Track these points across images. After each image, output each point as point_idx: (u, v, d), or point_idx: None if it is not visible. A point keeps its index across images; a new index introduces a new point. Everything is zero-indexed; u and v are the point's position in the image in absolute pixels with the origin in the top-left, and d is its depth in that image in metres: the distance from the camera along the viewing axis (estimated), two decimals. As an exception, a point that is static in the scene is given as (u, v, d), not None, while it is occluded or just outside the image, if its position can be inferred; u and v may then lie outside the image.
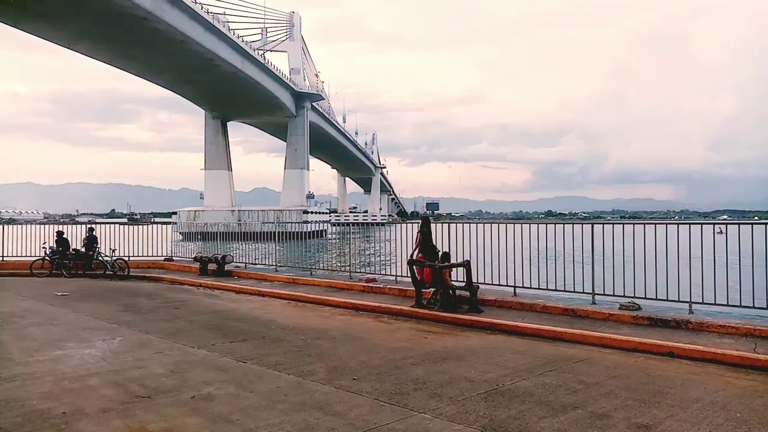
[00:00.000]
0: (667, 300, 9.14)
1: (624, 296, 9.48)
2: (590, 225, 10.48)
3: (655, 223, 9.73)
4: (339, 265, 16.95)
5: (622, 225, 10.04)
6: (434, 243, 11.05)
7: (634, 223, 9.89)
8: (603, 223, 10.75)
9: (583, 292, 10.18)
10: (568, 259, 10.67)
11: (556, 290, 10.55)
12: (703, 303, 8.90)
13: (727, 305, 8.69)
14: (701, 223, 9.35)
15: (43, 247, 17.56)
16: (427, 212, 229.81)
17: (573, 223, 11.29)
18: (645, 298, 9.24)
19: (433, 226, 11.68)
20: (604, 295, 9.89)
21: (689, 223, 9.79)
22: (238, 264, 17.33)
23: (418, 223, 11.55)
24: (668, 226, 9.56)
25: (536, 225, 11.60)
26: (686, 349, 7.26)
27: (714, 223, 9.48)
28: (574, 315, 9.44)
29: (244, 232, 19.53)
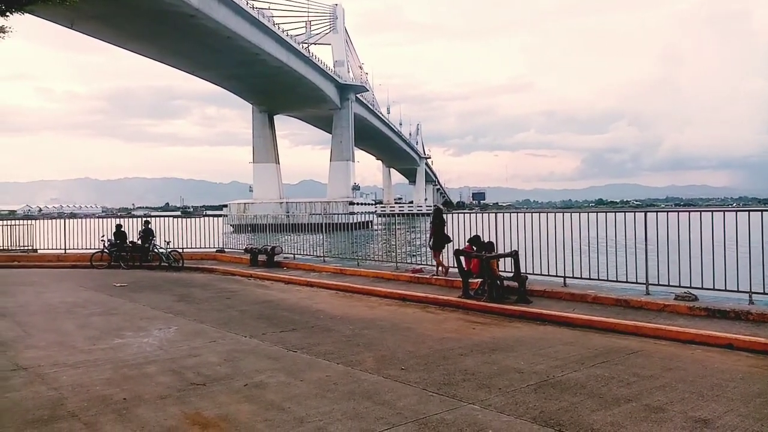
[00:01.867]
0: (725, 290, 8.80)
1: (679, 286, 9.19)
2: (643, 213, 10.18)
3: (712, 211, 9.37)
4: (385, 255, 17.02)
5: (676, 213, 9.72)
6: (447, 233, 12.57)
7: (689, 211, 9.57)
8: (656, 211, 10.44)
9: (637, 283, 9.91)
10: (620, 249, 10.40)
11: (607, 280, 10.32)
12: (764, 293, 8.51)
13: (791, 295, 8.31)
14: (761, 210, 8.94)
15: (102, 240, 18.29)
16: (473, 202, 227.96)
17: (625, 212, 11.00)
18: (702, 288, 8.94)
19: (479, 216, 12.45)
20: (658, 285, 9.61)
21: (748, 210, 9.39)
22: (287, 255, 17.62)
23: (464, 212, 11.93)
24: (725, 213, 9.19)
25: (586, 214, 11.35)
26: (746, 341, 6.98)
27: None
28: (627, 306, 9.21)
29: (292, 224, 19.83)
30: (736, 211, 9.36)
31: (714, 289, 8.82)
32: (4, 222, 22.43)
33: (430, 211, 13.99)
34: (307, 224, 18.95)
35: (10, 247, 20.23)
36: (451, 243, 12.36)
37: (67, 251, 19.53)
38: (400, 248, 15.43)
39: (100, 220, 21.48)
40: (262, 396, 5.42)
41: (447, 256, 12.55)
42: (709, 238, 8.83)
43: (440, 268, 12.65)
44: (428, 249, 13.14)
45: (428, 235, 12.87)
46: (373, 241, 27.57)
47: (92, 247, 18.80)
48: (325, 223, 18.35)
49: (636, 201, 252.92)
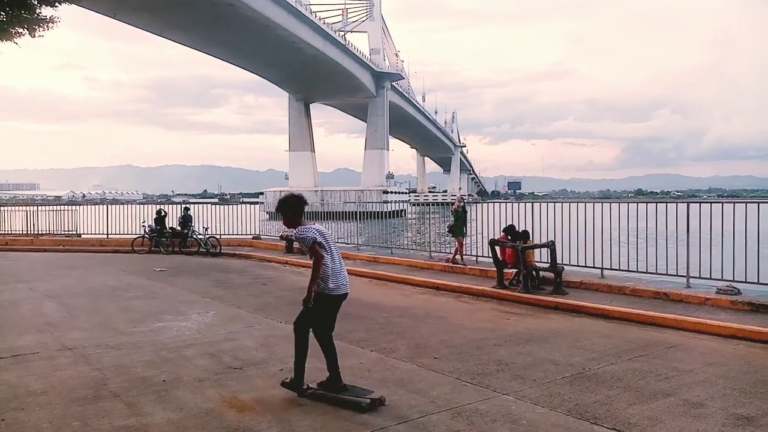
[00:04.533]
0: (770, 284, 8.52)
1: (722, 280, 8.94)
2: (685, 204, 9.91)
3: (758, 202, 9.05)
4: (419, 244, 16.99)
5: (721, 204, 9.41)
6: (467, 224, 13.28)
7: (734, 202, 9.26)
8: (699, 202, 10.15)
9: (677, 275, 9.68)
10: (661, 241, 10.15)
11: (647, 273, 10.10)
12: (812, 288, 8.23)
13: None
14: (811, 202, 8.60)
15: (143, 226, 18.74)
16: (509, 191, 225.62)
17: (666, 202, 10.72)
18: (745, 281, 8.68)
19: (514, 205, 12.63)
20: (699, 278, 9.36)
21: (797, 202, 9.03)
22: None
23: (499, 202, 12.07)
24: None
25: (625, 204, 11.10)
26: (793, 337, 6.76)
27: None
28: (667, 299, 9.01)
29: (326, 212, 19.95)
30: (784, 202, 9.03)
31: (758, 283, 8.55)
32: (50, 207, 23.22)
33: (466, 200, 14.20)
34: (342, 212, 19.05)
35: (55, 232, 20.95)
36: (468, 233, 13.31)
37: (110, 236, 20.11)
38: (433, 237, 15.39)
39: (141, 206, 22.00)
40: (297, 381, 5.49)
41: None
42: (753, 230, 8.55)
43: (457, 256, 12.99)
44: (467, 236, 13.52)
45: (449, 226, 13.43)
46: (406, 230, 27.54)
47: (133, 232, 19.29)
48: (359, 212, 18.42)
49: (677, 192, 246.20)
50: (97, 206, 22.36)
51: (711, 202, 9.71)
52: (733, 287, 8.67)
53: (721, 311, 8.18)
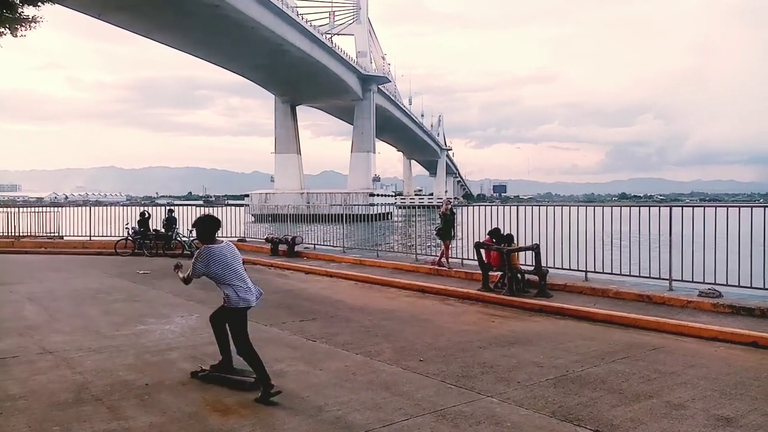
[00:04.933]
0: (750, 287, 8.63)
1: (703, 283, 9.04)
2: (667, 208, 10.02)
3: (739, 206, 9.18)
4: (405, 247, 17.02)
5: (703, 208, 9.53)
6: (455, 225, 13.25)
7: (715, 206, 9.38)
8: (681, 206, 10.26)
9: (660, 278, 9.79)
10: (644, 244, 10.25)
11: (630, 275, 10.18)
12: (791, 291, 8.34)
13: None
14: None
15: (126, 228, 18.55)
16: (494, 195, 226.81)
17: (649, 206, 10.83)
18: (726, 285, 8.79)
19: (500, 208, 12.67)
20: (681, 281, 9.46)
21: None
22: (307, 245, 17.71)
23: (485, 205, 12.17)
24: (753, 209, 9.00)
25: (609, 208, 11.21)
26: (772, 339, 6.85)
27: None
28: (650, 301, 9.10)
29: (312, 215, 19.90)
30: (764, 206, 9.15)
31: (739, 286, 8.66)
32: (32, 209, 22.91)
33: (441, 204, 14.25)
34: (328, 215, 19.02)
35: (37, 234, 20.67)
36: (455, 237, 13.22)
37: (92, 238, 19.87)
38: (419, 240, 15.41)
39: (125, 208, 21.80)
40: (282, 385, 5.45)
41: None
42: (735, 234, 8.67)
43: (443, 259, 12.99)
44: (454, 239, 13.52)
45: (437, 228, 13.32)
46: (392, 233, 27.58)
47: (116, 234, 19.09)
48: (346, 214, 18.40)
49: (660, 196, 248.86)
50: (79, 208, 22.11)
51: (693, 206, 9.83)
52: (715, 290, 8.78)
53: (702, 314, 8.28)
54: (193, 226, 5.75)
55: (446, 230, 12.89)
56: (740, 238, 8.64)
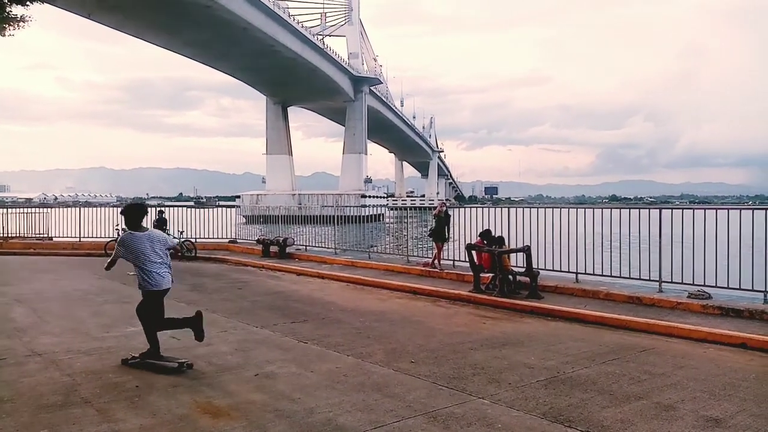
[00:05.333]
0: (739, 289, 8.71)
1: (693, 284, 9.11)
2: (657, 210, 10.09)
3: (728, 209, 9.26)
4: (396, 249, 17.02)
5: (692, 210, 9.61)
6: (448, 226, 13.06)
7: (704, 208, 9.45)
8: (671, 208, 10.33)
9: (650, 280, 9.85)
10: (634, 246, 10.32)
11: (620, 277, 10.24)
12: (779, 293, 8.42)
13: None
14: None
15: (116, 229, 18.41)
16: (486, 196, 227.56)
17: (639, 208, 10.90)
18: (716, 286, 8.85)
19: (491, 210, 12.79)
20: (671, 283, 9.53)
21: (765, 209, 9.25)
22: (299, 247, 17.68)
23: (476, 207, 12.22)
24: (742, 211, 9.08)
25: (599, 210, 11.27)
26: (760, 340, 6.92)
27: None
28: (640, 303, 9.15)
29: (304, 216, 19.86)
30: (753, 209, 9.23)
31: (728, 288, 8.73)
32: (21, 210, 22.73)
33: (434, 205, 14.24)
34: (319, 216, 18.99)
35: (26, 235, 20.50)
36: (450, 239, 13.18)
37: (82, 239, 19.74)
38: (411, 242, 15.42)
39: (115, 209, 21.64)
40: (273, 386, 5.46)
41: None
42: (724, 237, 8.73)
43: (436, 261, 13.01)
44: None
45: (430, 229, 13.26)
46: (384, 234, 27.57)
47: (106, 235, 18.95)
48: (337, 216, 18.38)
49: (650, 198, 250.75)
50: (69, 209, 21.96)
51: (683, 209, 9.89)
52: (704, 292, 8.85)
53: (692, 315, 8.34)
54: (121, 213, 6.29)
55: (439, 232, 12.87)
56: (729, 241, 8.70)
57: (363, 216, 18.96)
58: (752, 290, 8.63)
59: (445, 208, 13.28)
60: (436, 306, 9.91)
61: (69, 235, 20.13)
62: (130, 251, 5.93)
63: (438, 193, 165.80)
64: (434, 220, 13.07)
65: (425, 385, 5.52)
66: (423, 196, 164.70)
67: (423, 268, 12.99)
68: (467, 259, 10.90)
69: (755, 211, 9.04)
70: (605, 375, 5.84)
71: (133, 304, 9.70)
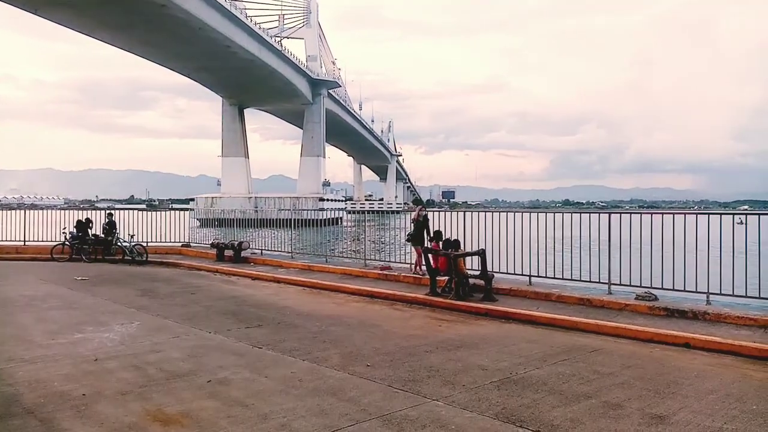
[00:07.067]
0: (684, 290, 9.03)
1: (640, 286, 9.40)
2: (607, 214, 10.39)
3: (674, 213, 9.60)
4: (354, 252, 17.01)
5: (639, 214, 9.93)
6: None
7: (651, 213, 9.78)
8: (620, 213, 10.64)
9: (600, 282, 10.12)
10: (585, 249, 10.59)
11: (572, 280, 10.49)
12: (721, 294, 8.77)
13: (746, 296, 8.55)
14: (720, 213, 9.21)
15: (64, 232, 17.83)
16: (443, 200, 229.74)
17: (590, 212, 11.19)
18: (662, 288, 9.15)
19: (448, 214, 12.73)
20: (620, 285, 9.82)
21: (708, 213, 9.65)
22: (255, 251, 17.46)
23: (435, 210, 12.02)
24: (686, 215, 9.44)
25: (552, 214, 11.53)
26: (703, 340, 7.19)
27: (733, 214, 9.33)
28: (590, 305, 9.39)
29: (260, 219, 19.63)
30: (696, 213, 9.60)
31: (673, 290, 9.05)
32: (-39, 212, 21.70)
33: (400, 209, 14.12)
34: (276, 219, 18.82)
35: (-34, 239, 19.59)
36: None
37: (27, 243, 18.99)
38: (368, 245, 15.43)
39: (62, 211, 20.94)
40: (226, 392, 5.37)
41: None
42: (670, 240, 9.05)
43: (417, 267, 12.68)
44: (406, 245, 13.20)
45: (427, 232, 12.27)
46: (342, 238, 27.52)
47: (53, 239, 18.31)
48: (294, 219, 18.24)
49: (602, 202, 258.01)
50: (13, 211, 21.10)
51: (631, 213, 10.21)
52: (651, 293, 9.14)
53: (639, 316, 8.61)
54: None
55: (418, 236, 12.56)
56: (674, 244, 9.02)
57: (321, 220, 18.87)
58: (696, 292, 8.98)
59: (424, 213, 12.91)
60: (393, 309, 9.94)
61: (13, 239, 19.32)
62: None
63: (396, 197, 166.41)
64: (413, 225, 12.58)
65: (381, 389, 5.53)
66: (382, 199, 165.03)
67: (380, 272, 13.00)
68: (423, 263, 10.96)
69: (699, 215, 9.42)
70: (556, 375, 5.97)
71: (81, 310, 9.48)
